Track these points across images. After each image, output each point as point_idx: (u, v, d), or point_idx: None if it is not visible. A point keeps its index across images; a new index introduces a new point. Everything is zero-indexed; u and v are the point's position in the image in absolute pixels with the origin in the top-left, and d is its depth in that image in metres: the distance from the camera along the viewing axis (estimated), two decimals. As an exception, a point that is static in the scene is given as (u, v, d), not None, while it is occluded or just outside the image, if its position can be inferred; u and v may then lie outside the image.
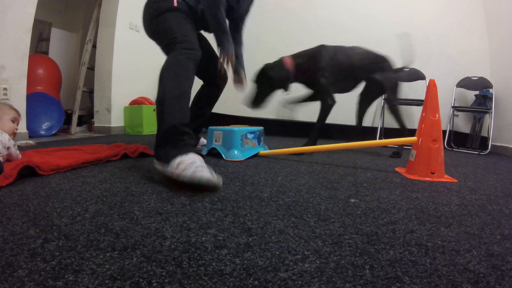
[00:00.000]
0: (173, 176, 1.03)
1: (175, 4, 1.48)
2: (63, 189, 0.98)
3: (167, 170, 1.06)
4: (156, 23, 1.46)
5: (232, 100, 3.55)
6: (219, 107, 3.68)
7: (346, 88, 2.16)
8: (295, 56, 2.00)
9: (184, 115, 1.17)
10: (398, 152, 2.05)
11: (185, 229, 0.70)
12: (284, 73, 1.94)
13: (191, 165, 0.99)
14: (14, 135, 1.33)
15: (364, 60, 2.06)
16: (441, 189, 1.19)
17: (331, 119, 3.17)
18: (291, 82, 2.01)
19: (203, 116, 1.87)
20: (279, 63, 1.97)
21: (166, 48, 1.41)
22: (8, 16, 2.06)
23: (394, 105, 2.09)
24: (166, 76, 1.23)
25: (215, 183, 0.97)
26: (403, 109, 3.14)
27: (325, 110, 2.00)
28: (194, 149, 1.36)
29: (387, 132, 3.09)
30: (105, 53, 3.00)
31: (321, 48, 2.00)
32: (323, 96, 1.99)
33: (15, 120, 1.36)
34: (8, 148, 1.19)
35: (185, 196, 0.95)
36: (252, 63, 2.33)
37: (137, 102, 3.19)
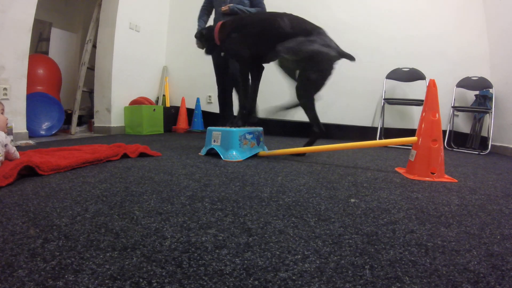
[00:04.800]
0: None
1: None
2: (63, 189, 0.98)
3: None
4: None
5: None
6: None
7: (263, 52, 1.80)
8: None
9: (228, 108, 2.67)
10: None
11: (185, 229, 0.70)
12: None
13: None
14: (5, 125, 1.29)
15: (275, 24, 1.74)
16: (441, 189, 1.19)
17: (331, 119, 3.22)
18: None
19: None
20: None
21: None
22: (8, 16, 2.06)
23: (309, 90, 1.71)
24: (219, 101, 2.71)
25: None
26: (403, 109, 3.16)
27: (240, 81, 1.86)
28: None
29: (387, 132, 3.09)
30: (105, 53, 3.00)
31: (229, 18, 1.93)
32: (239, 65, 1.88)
33: (3, 111, 1.31)
34: (5, 145, 1.18)
35: (185, 196, 0.95)
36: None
37: (137, 102, 3.19)
